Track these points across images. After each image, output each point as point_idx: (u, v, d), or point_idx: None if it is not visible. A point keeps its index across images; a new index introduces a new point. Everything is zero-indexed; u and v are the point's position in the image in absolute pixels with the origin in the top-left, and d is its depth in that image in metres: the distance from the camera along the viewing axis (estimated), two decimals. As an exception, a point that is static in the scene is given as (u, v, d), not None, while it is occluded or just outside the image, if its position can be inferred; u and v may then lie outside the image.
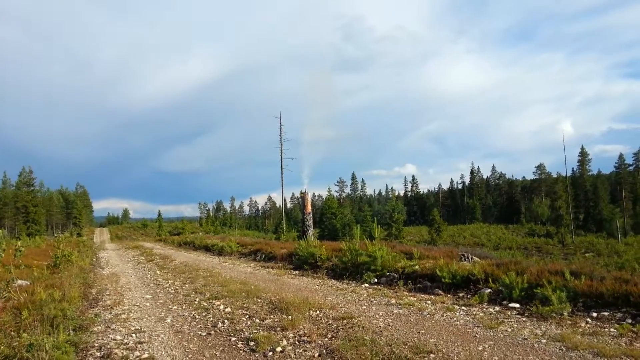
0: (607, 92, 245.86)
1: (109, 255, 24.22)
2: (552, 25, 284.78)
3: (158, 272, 13.84)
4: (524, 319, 6.47)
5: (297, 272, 12.88)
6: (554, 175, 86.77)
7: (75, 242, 33.62)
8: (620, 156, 78.91)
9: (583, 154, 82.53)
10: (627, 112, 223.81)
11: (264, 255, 17.36)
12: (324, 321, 6.60)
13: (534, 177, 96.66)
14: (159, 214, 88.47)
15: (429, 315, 6.83)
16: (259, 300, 8.31)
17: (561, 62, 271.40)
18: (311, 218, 22.49)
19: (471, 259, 10.81)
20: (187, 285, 10.69)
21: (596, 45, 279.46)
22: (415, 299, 8.21)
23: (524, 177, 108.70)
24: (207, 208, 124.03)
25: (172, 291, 10.02)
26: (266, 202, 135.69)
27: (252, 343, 5.63)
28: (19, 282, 9.26)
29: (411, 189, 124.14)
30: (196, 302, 8.47)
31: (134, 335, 6.29)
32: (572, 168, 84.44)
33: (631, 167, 79.60)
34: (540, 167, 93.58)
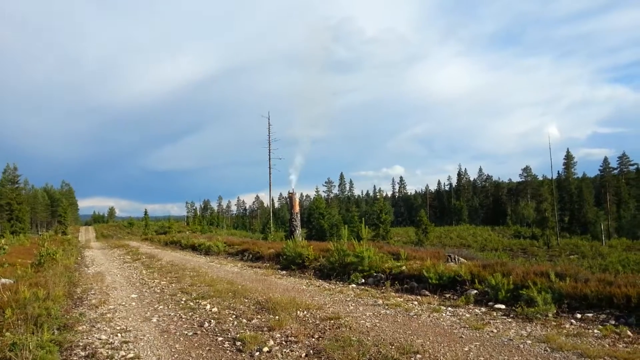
0: (592, 96, 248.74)
1: (94, 254, 24.01)
2: (539, 29, 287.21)
3: (144, 272, 13.74)
4: (510, 320, 6.52)
5: (284, 272, 12.86)
6: (540, 178, 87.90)
7: (60, 241, 33.27)
8: (605, 160, 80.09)
9: (568, 157, 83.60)
10: (611, 116, 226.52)
11: (251, 255, 17.31)
12: (311, 321, 6.60)
13: (520, 180, 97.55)
14: (146, 213, 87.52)
15: (415, 316, 6.86)
16: (246, 300, 8.28)
17: (548, 66, 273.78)
18: (299, 218, 22.47)
19: (458, 260, 10.88)
20: (173, 285, 10.63)
21: (582, 50, 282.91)
22: (402, 299, 8.23)
23: (510, 179, 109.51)
24: (194, 207, 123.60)
25: (159, 290, 9.96)
26: (254, 202, 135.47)
27: (238, 343, 5.61)
28: (3, 280, 9.16)
29: (399, 190, 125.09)
30: (182, 302, 8.42)
31: (119, 334, 6.24)
32: (558, 171, 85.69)
33: (615, 171, 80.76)
34: (526, 170, 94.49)
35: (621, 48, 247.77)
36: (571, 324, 6.16)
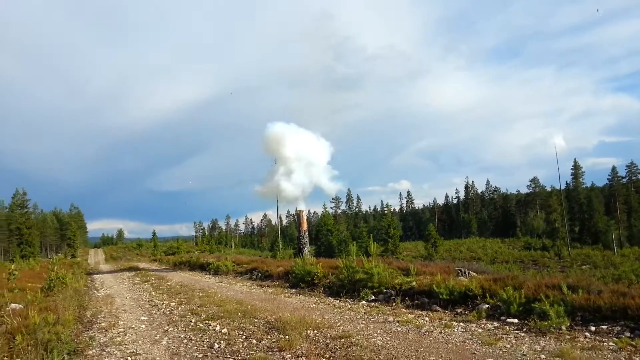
0: (596, 105, 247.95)
1: (103, 276, 24.02)
2: (539, 42, 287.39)
3: (153, 293, 13.72)
4: (523, 334, 6.44)
5: (293, 290, 12.80)
6: (548, 189, 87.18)
7: (69, 264, 33.35)
8: (613, 169, 79.69)
9: (576, 167, 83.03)
10: (617, 125, 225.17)
11: (260, 274, 17.25)
12: (321, 341, 6.54)
13: (528, 191, 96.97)
14: (154, 234, 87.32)
15: (427, 333, 6.79)
16: (256, 320, 8.24)
17: (550, 78, 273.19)
18: (307, 235, 22.42)
19: (468, 274, 10.79)
20: (182, 306, 10.60)
21: (583, 61, 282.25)
22: (413, 315, 8.16)
23: (518, 190, 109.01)
24: (202, 227, 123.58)
25: (168, 312, 9.92)
26: (262, 220, 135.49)
27: (249, 364, 5.56)
28: (13, 305, 9.16)
29: (406, 204, 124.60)
30: (192, 323, 8.38)
31: (129, 358, 6.21)
32: (566, 181, 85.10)
33: (624, 180, 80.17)
34: (534, 181, 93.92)
35: (622, 58, 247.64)
36: (585, 337, 6.07)
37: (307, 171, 23.89)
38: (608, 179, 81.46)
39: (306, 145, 23.70)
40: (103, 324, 8.81)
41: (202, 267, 24.16)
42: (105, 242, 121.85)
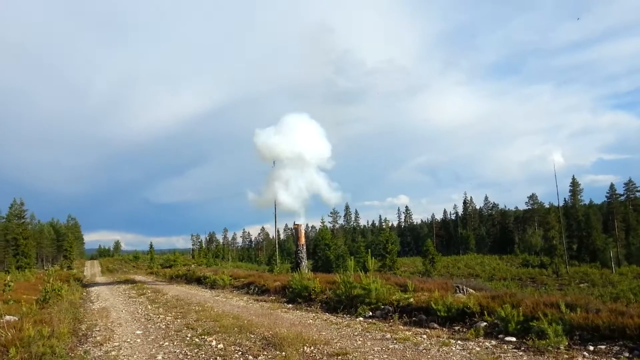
0: (595, 123, 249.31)
1: (99, 288, 23.88)
2: (539, 58, 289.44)
3: (149, 307, 13.63)
4: (521, 353, 6.39)
5: (290, 305, 12.73)
6: (547, 206, 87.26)
7: (65, 276, 33.15)
8: (612, 186, 79.87)
9: (574, 184, 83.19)
10: (615, 143, 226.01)
11: (257, 288, 17.16)
12: (318, 357, 6.49)
13: (527, 208, 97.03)
14: (151, 246, 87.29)
15: (424, 351, 6.74)
16: (252, 336, 8.17)
17: (549, 95, 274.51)
18: (304, 250, 22.35)
19: (466, 290, 10.75)
20: (178, 320, 10.52)
21: (583, 78, 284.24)
22: (410, 333, 8.11)
23: (516, 207, 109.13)
24: (199, 240, 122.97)
25: (164, 326, 9.85)
26: (259, 234, 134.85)
27: (245, 381, 5.51)
28: (7, 317, 9.09)
29: (404, 219, 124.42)
30: (188, 338, 8.32)
31: (124, 373, 6.15)
32: (564, 198, 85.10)
33: (622, 197, 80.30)
34: (532, 198, 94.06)
35: (622, 75, 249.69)
36: (584, 356, 6.03)
37: (304, 173, 23.75)
38: (606, 196, 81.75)
39: (303, 141, 23.46)
40: (98, 338, 8.74)
41: (199, 281, 24.03)
42: (101, 253, 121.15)
